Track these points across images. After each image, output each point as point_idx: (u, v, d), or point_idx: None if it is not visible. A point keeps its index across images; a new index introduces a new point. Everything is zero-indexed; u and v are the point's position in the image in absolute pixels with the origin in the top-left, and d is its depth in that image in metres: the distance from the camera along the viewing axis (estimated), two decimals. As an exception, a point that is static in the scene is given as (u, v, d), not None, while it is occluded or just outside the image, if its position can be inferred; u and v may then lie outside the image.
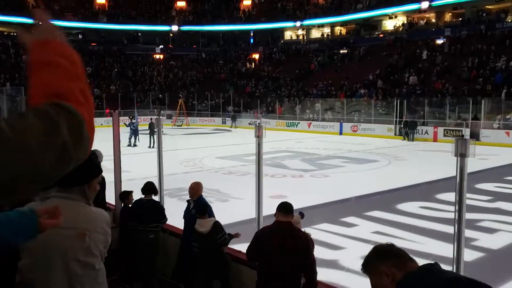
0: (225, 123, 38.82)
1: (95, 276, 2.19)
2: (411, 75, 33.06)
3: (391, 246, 1.92)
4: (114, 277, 5.37)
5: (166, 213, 5.93)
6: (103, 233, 2.23)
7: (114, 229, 5.85)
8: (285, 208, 4.12)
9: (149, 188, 5.70)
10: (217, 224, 4.96)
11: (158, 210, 5.69)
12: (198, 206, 5.17)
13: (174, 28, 52.45)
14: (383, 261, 1.83)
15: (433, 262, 1.80)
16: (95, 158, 2.37)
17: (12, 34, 47.16)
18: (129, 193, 5.95)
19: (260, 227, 4.63)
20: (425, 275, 1.71)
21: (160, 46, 52.98)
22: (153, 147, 20.64)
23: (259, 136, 4.92)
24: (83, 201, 2.22)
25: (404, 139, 26.49)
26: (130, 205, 5.84)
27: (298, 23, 48.72)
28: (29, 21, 45.53)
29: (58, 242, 2.09)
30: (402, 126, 27.28)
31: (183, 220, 5.76)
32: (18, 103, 16.36)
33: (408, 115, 28.58)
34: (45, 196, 2.17)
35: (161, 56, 52.66)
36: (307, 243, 4.01)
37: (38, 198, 2.17)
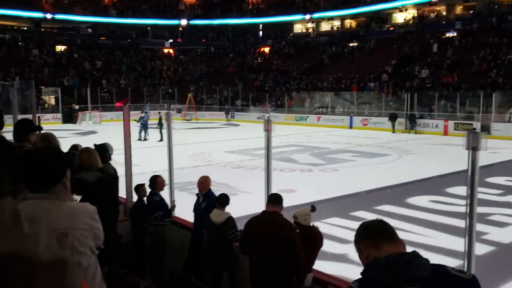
0: (234, 117, 38.85)
1: (84, 273, 2.11)
2: (423, 68, 32.79)
3: (376, 224, 1.90)
4: (125, 270, 5.43)
5: (176, 206, 6.02)
6: (88, 228, 2.12)
7: (125, 222, 5.91)
8: (273, 198, 4.23)
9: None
10: (231, 219, 4.99)
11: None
12: (221, 197, 5.19)
13: (183, 22, 52.45)
14: (361, 239, 1.86)
15: (407, 252, 1.73)
16: (57, 156, 2.24)
17: (22, 28, 47.49)
18: (141, 185, 5.99)
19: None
20: (385, 266, 1.65)
21: (170, 41, 53.04)
22: (162, 140, 20.73)
23: (268, 130, 4.92)
24: (61, 198, 2.11)
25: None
26: (144, 198, 5.87)
27: (307, 16, 48.43)
28: (38, 15, 45.97)
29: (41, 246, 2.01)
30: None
31: (193, 213, 5.79)
32: (28, 97, 16.46)
33: (419, 108, 28.45)
34: (23, 196, 2.10)
35: (171, 50, 52.72)
36: (291, 232, 4.02)
37: (19, 198, 2.12)
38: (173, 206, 5.99)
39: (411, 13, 43.33)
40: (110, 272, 4.45)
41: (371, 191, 11.67)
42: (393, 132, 26.97)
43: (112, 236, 4.59)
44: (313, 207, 4.54)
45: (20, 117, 7.90)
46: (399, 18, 44.46)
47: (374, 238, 1.82)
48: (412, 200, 10.41)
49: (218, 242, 4.96)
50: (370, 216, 9.05)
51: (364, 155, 18.00)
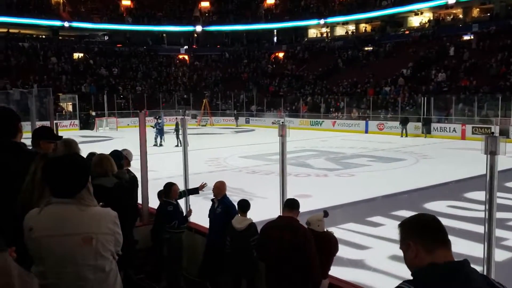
0: (249, 123, 38.92)
1: (106, 278, 2.16)
2: (439, 72, 32.47)
3: (432, 223, 1.78)
4: (141, 275, 5.45)
5: (192, 211, 6.02)
6: (111, 233, 2.18)
7: (142, 227, 5.94)
8: (290, 203, 4.22)
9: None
10: (253, 225, 4.98)
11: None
12: (242, 203, 5.20)
13: (198, 28, 52.84)
14: (413, 237, 1.74)
15: (462, 260, 1.70)
16: (82, 162, 2.30)
17: (40, 36, 48.35)
18: (163, 190, 5.99)
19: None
20: (448, 275, 1.61)
21: (185, 47, 53.45)
22: (179, 146, 20.86)
23: (282, 135, 4.91)
24: (84, 203, 2.16)
25: (402, 135, 26.96)
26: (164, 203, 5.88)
27: (322, 21, 48.35)
28: (56, 23, 46.78)
29: (67, 250, 2.07)
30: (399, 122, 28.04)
31: (208, 219, 5.80)
32: (46, 104, 16.75)
33: (435, 112, 28.19)
34: (47, 202, 2.15)
35: (186, 57, 53.12)
36: (306, 237, 3.99)
37: (41, 205, 2.17)
38: (189, 212, 6.01)
39: (426, 17, 42.99)
40: (126, 277, 4.48)
41: (387, 196, 11.56)
42: (406, 136, 26.82)
43: (129, 242, 4.62)
44: (325, 212, 4.51)
45: (38, 124, 8.04)
46: (414, 21, 44.12)
47: (429, 240, 1.72)
48: (430, 205, 10.27)
49: (240, 248, 4.96)
50: (387, 222, 8.96)
51: (380, 160, 17.85)
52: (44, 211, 2.13)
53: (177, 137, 22.29)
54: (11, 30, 45.22)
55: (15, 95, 26.15)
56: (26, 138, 3.32)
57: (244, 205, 5.16)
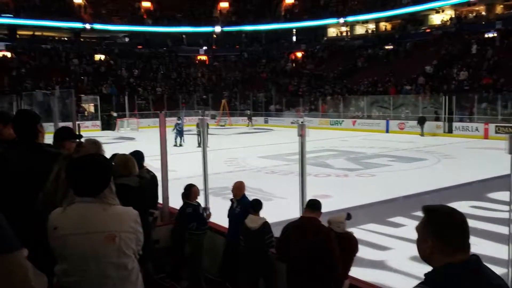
0: (267, 123, 38.90)
1: (128, 275, 2.19)
2: (461, 70, 31.93)
3: (459, 228, 1.69)
4: (162, 274, 5.50)
5: (211, 211, 6.03)
6: (133, 231, 2.21)
7: (162, 227, 5.99)
8: (312, 204, 4.23)
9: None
10: (266, 224, 4.99)
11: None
12: (254, 202, 5.21)
13: (217, 29, 53.04)
14: (435, 237, 1.66)
15: (475, 257, 1.66)
16: (105, 162, 2.35)
17: (62, 38, 49.24)
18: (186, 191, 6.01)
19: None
20: (465, 276, 1.58)
21: (204, 48, 53.73)
22: (200, 146, 20.97)
23: (302, 135, 4.90)
24: (107, 202, 2.20)
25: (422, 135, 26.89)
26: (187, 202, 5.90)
27: (341, 20, 48.03)
28: (78, 25, 47.58)
29: (90, 248, 2.11)
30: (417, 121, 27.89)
31: (227, 219, 5.82)
32: (68, 105, 17.05)
33: (457, 111, 27.78)
34: (70, 201, 2.19)
35: (205, 57, 53.39)
36: (329, 238, 3.98)
37: (64, 204, 2.21)
38: (208, 215, 6.00)
39: (448, 14, 42.29)
40: (146, 276, 4.52)
41: (409, 196, 11.42)
42: (422, 135, 26.69)
43: (149, 241, 4.67)
44: (349, 215, 4.47)
45: (60, 124, 8.18)
46: (436, 19, 43.46)
47: (451, 247, 1.65)
48: (452, 206, 10.04)
49: (254, 248, 4.97)
50: (408, 222, 8.84)
51: (401, 159, 17.64)
52: (68, 210, 2.17)
53: (198, 137, 22.43)
54: (36, 33, 46.27)
55: (38, 96, 26.73)
56: (49, 139, 3.40)
57: (256, 204, 5.16)
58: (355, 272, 4.53)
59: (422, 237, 1.71)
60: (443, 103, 28.27)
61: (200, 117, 33.00)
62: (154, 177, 5.34)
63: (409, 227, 8.56)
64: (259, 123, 39.26)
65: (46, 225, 2.19)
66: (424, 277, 1.68)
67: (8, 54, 42.17)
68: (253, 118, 38.60)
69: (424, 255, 1.71)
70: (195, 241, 5.60)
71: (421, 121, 27.33)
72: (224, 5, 55.38)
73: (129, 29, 51.18)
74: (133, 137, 28.40)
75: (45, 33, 47.14)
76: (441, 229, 1.68)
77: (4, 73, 38.38)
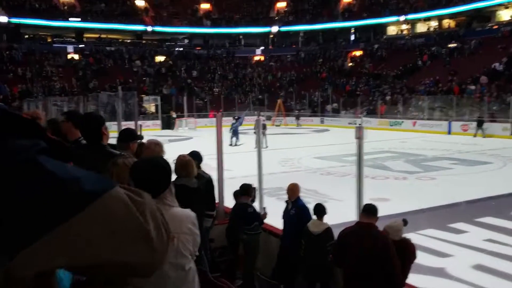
0: (323, 123, 38.48)
1: (185, 276, 2.24)
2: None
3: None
4: (217, 273, 5.58)
5: (266, 212, 6.04)
6: (190, 233, 2.26)
7: (217, 226, 6.08)
8: (368, 209, 4.13)
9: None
10: (329, 230, 4.97)
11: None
12: (317, 207, 5.22)
13: (274, 29, 53.17)
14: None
15: None
16: (166, 164, 2.39)
17: (125, 41, 51.28)
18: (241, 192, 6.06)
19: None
20: None
21: (261, 48, 54.05)
22: (265, 147, 20.68)
23: (359, 138, 4.81)
24: (166, 203, 2.24)
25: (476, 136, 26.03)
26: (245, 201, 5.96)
27: (402, 18, 46.65)
28: (140, 28, 49.38)
29: None
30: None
31: (282, 220, 5.81)
32: (131, 106, 17.73)
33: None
34: None
35: (261, 58, 53.69)
36: (387, 245, 3.87)
37: None
38: (264, 215, 6.02)
39: (518, 10, 40.03)
40: (201, 275, 4.61)
41: (471, 201, 10.90)
42: (474, 136, 25.89)
43: (205, 241, 4.76)
44: (405, 221, 4.35)
45: (124, 124, 8.52)
46: (504, 15, 41.17)
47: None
48: (520, 213, 9.56)
49: (314, 253, 4.94)
50: (470, 229, 8.46)
51: (463, 162, 16.89)
52: None
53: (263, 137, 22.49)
54: (101, 36, 48.56)
55: (103, 98, 27.99)
56: (112, 138, 3.56)
57: (320, 209, 5.14)
58: (413, 279, 4.39)
59: None
60: (510, 104, 26.79)
61: (256, 117, 33.18)
62: (209, 179, 5.44)
63: (472, 234, 8.18)
64: (315, 123, 38.92)
65: None
66: None
67: (76, 56, 44.49)
68: (300, 118, 38.42)
69: None
70: (251, 241, 5.64)
71: (480, 123, 26.37)
72: (281, 5, 55.42)
73: (188, 31, 52.45)
74: (191, 136, 29.04)
75: (110, 36, 49.30)
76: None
77: (72, 74, 40.56)
